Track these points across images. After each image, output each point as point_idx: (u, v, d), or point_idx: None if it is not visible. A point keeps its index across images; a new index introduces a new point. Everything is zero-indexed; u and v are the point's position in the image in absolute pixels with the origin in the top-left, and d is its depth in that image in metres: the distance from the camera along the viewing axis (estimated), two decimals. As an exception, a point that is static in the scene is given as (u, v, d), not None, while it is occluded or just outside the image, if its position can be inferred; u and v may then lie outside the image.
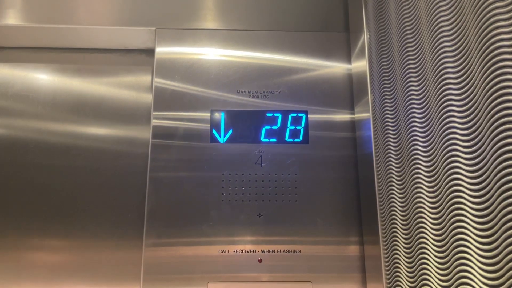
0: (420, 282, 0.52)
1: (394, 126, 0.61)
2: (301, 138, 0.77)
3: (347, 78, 0.80)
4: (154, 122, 0.77)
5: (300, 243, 0.73)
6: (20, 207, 0.79)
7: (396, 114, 0.60)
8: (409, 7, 0.58)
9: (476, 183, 0.42)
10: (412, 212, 0.54)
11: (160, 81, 0.79)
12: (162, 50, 0.81)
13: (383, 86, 0.65)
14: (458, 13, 0.46)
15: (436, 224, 0.49)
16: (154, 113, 0.77)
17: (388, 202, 0.61)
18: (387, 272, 0.61)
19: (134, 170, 0.81)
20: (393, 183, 0.60)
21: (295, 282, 0.71)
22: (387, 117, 0.63)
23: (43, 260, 0.76)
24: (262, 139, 0.77)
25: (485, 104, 0.41)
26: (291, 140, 0.77)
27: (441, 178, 0.48)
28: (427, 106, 0.52)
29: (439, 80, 0.49)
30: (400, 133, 0.59)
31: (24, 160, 0.81)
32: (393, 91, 0.62)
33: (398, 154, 0.59)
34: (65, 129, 0.83)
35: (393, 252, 0.60)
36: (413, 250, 0.54)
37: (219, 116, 0.78)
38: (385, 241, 0.62)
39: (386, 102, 0.64)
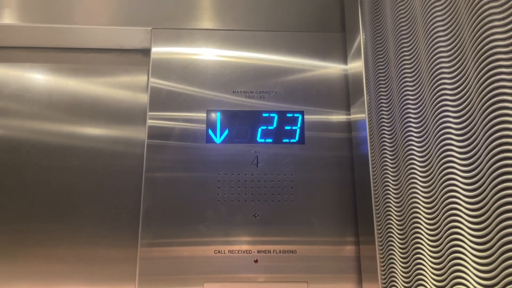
0: (415, 282, 0.52)
1: (390, 126, 0.61)
2: (297, 138, 0.77)
3: (343, 79, 0.81)
4: (150, 122, 0.77)
5: (296, 243, 0.73)
6: (15, 206, 0.78)
7: (391, 114, 0.60)
8: (405, 8, 0.58)
9: (470, 183, 0.42)
10: (408, 213, 0.54)
11: (156, 81, 0.79)
12: (158, 50, 0.81)
13: (379, 86, 0.65)
14: (453, 14, 0.46)
15: (431, 224, 0.49)
16: (149, 113, 0.77)
17: (384, 202, 0.61)
18: (383, 273, 0.61)
19: (129, 170, 0.80)
20: (388, 184, 0.60)
21: (291, 282, 0.71)
22: (383, 118, 0.63)
23: (38, 261, 0.76)
24: (258, 139, 0.77)
25: (480, 104, 0.41)
26: (287, 140, 0.77)
27: (436, 179, 0.48)
28: (422, 106, 0.52)
29: (434, 80, 0.49)
30: (396, 134, 0.59)
31: (19, 160, 0.81)
32: (388, 91, 0.62)
33: (394, 155, 0.59)
34: (61, 129, 0.83)
35: (388, 253, 0.60)
36: (408, 250, 0.54)
37: (215, 116, 0.78)
38: (381, 241, 0.62)
39: (382, 103, 0.64)
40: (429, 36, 0.50)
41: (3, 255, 0.76)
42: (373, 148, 0.66)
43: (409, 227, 0.54)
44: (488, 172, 0.39)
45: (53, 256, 0.76)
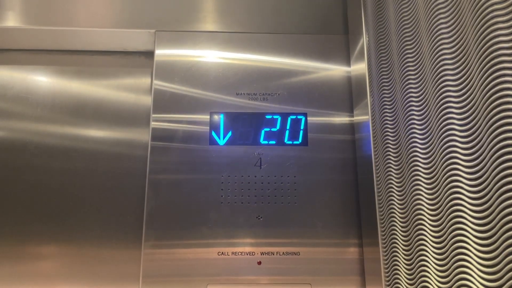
0: (419, 284, 0.52)
1: (393, 128, 0.61)
2: (300, 140, 0.77)
3: (346, 81, 0.81)
4: (154, 124, 0.77)
5: (299, 245, 0.73)
6: (19, 208, 0.78)
7: (395, 116, 0.60)
8: (408, 10, 0.58)
9: (475, 184, 0.42)
10: (411, 215, 0.54)
11: (159, 83, 0.79)
12: (162, 52, 0.81)
13: (382, 88, 0.65)
14: (457, 16, 0.46)
15: (435, 226, 0.49)
16: (153, 115, 0.78)
17: (388, 204, 0.61)
18: (387, 275, 0.61)
19: (133, 172, 0.81)
20: (392, 186, 0.60)
21: (294, 284, 0.71)
22: (386, 120, 0.63)
23: (41, 263, 0.76)
24: (262, 141, 0.77)
25: (484, 106, 0.41)
26: (290, 142, 0.77)
27: (440, 181, 0.48)
28: (426, 108, 0.52)
29: (438, 82, 0.49)
30: (399, 136, 0.59)
31: (23, 162, 0.81)
32: (392, 93, 0.62)
33: (397, 157, 0.59)
34: (64, 131, 0.83)
35: (392, 255, 0.60)
36: (412, 252, 0.54)
37: (219, 118, 0.78)
38: (385, 243, 0.62)
39: (385, 105, 0.64)
40: (432, 38, 0.50)
41: (8, 256, 0.76)
42: (376, 150, 0.66)
43: (413, 229, 0.54)
44: (492, 174, 0.39)
45: (57, 257, 0.76)
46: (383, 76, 0.65)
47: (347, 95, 0.80)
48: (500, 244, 0.38)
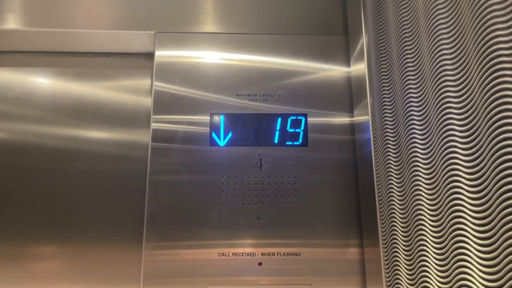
0: (420, 284, 0.52)
1: (393, 129, 0.61)
2: (300, 141, 0.77)
3: (346, 81, 0.81)
4: (154, 125, 0.77)
5: (300, 246, 0.73)
6: (20, 209, 0.79)
7: (395, 117, 0.61)
8: (408, 10, 0.58)
9: (475, 185, 0.42)
10: (412, 215, 0.54)
11: (159, 85, 0.79)
12: (162, 54, 0.81)
13: (382, 89, 0.65)
14: (456, 17, 0.46)
15: (436, 226, 0.49)
16: (153, 116, 0.78)
17: (388, 204, 0.61)
18: (387, 275, 0.61)
19: (133, 174, 0.81)
20: (392, 186, 0.60)
21: (295, 285, 0.71)
22: (386, 120, 0.63)
23: (42, 264, 0.76)
24: (262, 142, 0.77)
25: (484, 106, 0.41)
26: (290, 143, 0.77)
27: (440, 181, 0.48)
28: (425, 109, 0.52)
29: (438, 83, 0.49)
30: (399, 136, 0.59)
31: (23, 163, 0.81)
32: (392, 94, 0.62)
33: (398, 157, 0.59)
34: (65, 133, 0.83)
35: (393, 255, 0.60)
36: (413, 253, 0.54)
37: (219, 119, 0.78)
38: (385, 244, 0.62)
39: (385, 105, 0.64)
40: (432, 38, 0.50)
41: (9, 256, 0.76)
42: (376, 150, 0.66)
43: (413, 229, 0.54)
44: (492, 174, 0.39)
45: (57, 258, 0.76)
46: (383, 77, 0.65)
47: (347, 95, 0.80)
48: (500, 244, 0.38)
